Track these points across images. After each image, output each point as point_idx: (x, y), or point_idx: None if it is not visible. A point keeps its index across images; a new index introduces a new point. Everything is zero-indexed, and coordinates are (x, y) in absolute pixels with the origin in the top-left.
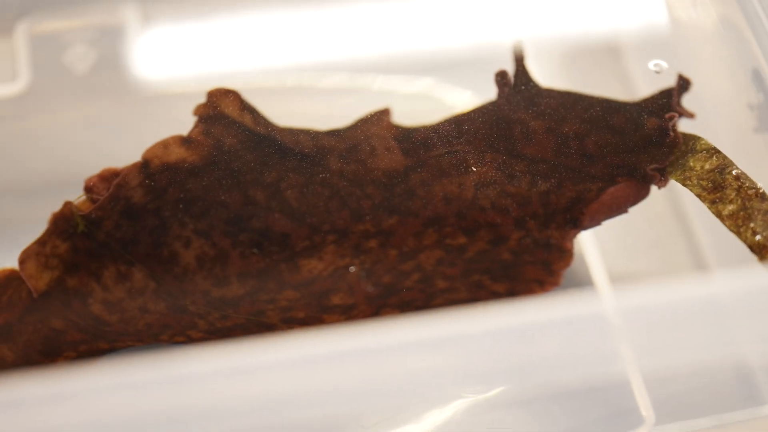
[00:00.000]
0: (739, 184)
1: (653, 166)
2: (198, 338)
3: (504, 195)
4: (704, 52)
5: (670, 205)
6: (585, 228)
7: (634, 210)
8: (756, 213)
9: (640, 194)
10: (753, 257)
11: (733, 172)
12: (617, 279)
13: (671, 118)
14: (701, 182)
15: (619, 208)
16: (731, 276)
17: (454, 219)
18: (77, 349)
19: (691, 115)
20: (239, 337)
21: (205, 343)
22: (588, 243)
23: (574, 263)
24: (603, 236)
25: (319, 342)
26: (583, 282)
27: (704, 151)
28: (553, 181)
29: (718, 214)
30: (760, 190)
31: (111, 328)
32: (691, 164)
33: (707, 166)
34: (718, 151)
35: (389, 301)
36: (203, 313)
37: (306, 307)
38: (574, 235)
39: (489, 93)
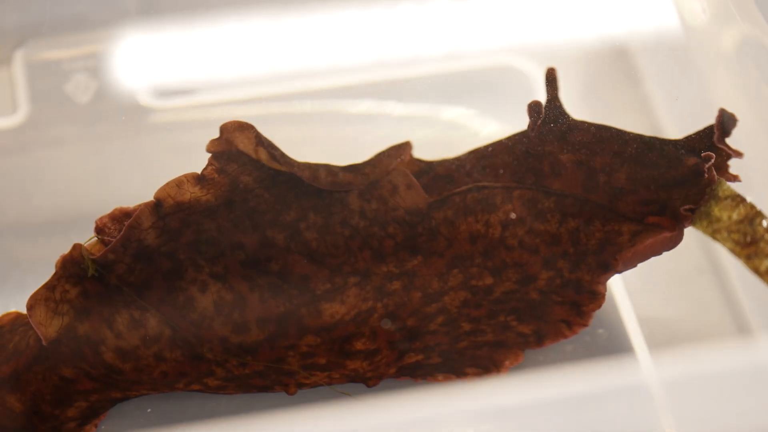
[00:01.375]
0: None
1: (687, 206)
2: (215, 386)
3: (532, 233)
4: (724, 75)
5: (698, 246)
6: (618, 272)
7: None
8: None
9: (675, 241)
10: None
11: (764, 224)
12: (645, 319)
13: (708, 158)
14: (732, 235)
15: (653, 253)
16: None
17: (480, 259)
18: (89, 398)
19: (738, 155)
20: (258, 385)
21: (223, 392)
22: (615, 282)
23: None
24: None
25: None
26: (611, 322)
27: (728, 198)
28: (581, 219)
29: (756, 270)
30: None
31: (124, 377)
32: (717, 214)
33: (735, 217)
34: (744, 199)
35: (413, 346)
36: (221, 360)
37: (328, 352)
38: (607, 279)
39: (515, 122)
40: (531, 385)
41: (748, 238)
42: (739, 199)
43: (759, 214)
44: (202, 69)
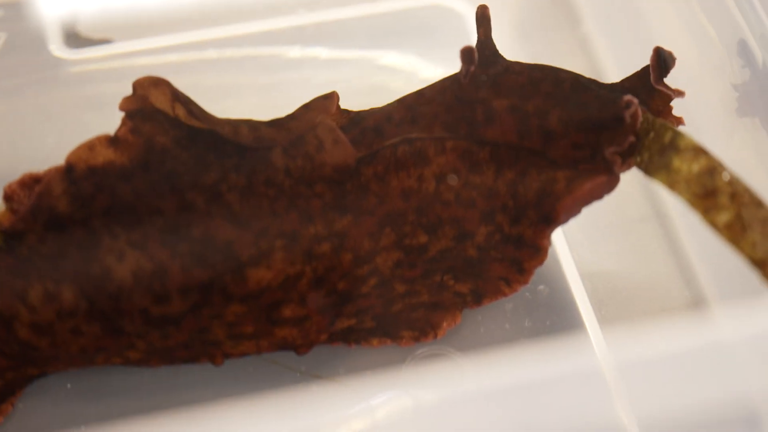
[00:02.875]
0: (733, 189)
1: (612, 149)
2: (137, 359)
3: (469, 186)
4: (677, 22)
5: (642, 194)
6: (562, 223)
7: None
8: (754, 222)
9: (612, 183)
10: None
11: (725, 176)
12: (588, 273)
13: (629, 104)
14: (691, 187)
15: (592, 199)
16: (732, 315)
17: (414, 216)
18: (3, 376)
19: (679, 94)
20: (183, 357)
21: (146, 364)
22: (556, 236)
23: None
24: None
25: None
26: (552, 278)
27: (690, 150)
28: (517, 168)
29: (713, 224)
30: (756, 196)
31: (41, 353)
32: (677, 165)
33: (695, 168)
34: (705, 151)
35: (344, 310)
36: (142, 332)
37: (255, 320)
38: (551, 232)
39: (452, 65)
40: (476, 366)
41: (707, 191)
42: (700, 151)
43: (719, 167)
44: (119, 15)
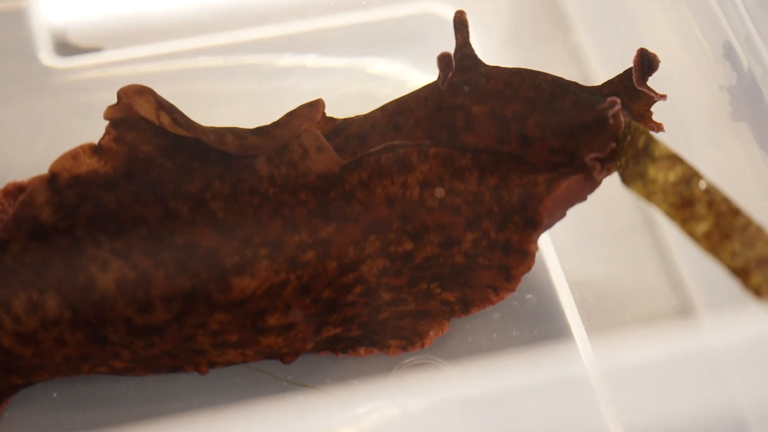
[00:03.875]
0: (710, 198)
1: (592, 155)
2: (122, 368)
3: (453, 193)
4: (668, 30)
5: (632, 203)
6: (546, 227)
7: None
8: (732, 231)
9: (591, 185)
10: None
11: (701, 185)
12: (576, 282)
13: (612, 104)
14: (668, 198)
15: (573, 199)
16: (717, 321)
17: (399, 223)
18: None
19: (661, 97)
20: (168, 365)
21: (131, 373)
22: (544, 244)
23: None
24: (559, 233)
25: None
26: (540, 287)
27: (664, 158)
28: (499, 173)
29: (692, 235)
30: (733, 205)
31: (25, 363)
32: (652, 175)
33: (671, 178)
34: (680, 159)
35: (330, 319)
36: (126, 342)
37: (239, 329)
38: (537, 237)
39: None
40: (462, 374)
41: (684, 201)
42: (675, 159)
43: (696, 175)
44: (109, 24)
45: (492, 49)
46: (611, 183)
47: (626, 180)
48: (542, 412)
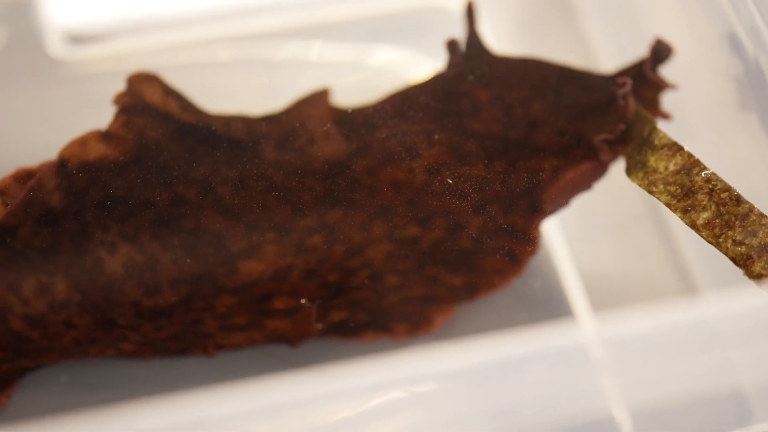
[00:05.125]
0: (711, 186)
1: (602, 136)
2: (130, 351)
3: (459, 178)
4: (664, 10)
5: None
6: (550, 213)
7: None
8: (734, 219)
9: (598, 171)
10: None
11: (702, 174)
12: (582, 270)
13: (623, 84)
14: (668, 188)
15: (579, 188)
16: (717, 298)
17: (405, 208)
18: None
19: (670, 86)
20: (175, 348)
21: (139, 356)
22: (550, 232)
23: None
24: (567, 222)
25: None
26: (546, 274)
27: (664, 147)
28: (506, 159)
29: (693, 225)
30: (734, 193)
31: (34, 345)
32: (653, 164)
33: (672, 167)
34: (681, 148)
35: (336, 303)
36: (134, 325)
37: (246, 312)
38: (540, 222)
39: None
40: (461, 348)
41: (685, 190)
42: (675, 148)
43: (697, 164)
44: (116, 15)
45: (499, 39)
46: (618, 173)
47: (628, 170)
48: (543, 386)
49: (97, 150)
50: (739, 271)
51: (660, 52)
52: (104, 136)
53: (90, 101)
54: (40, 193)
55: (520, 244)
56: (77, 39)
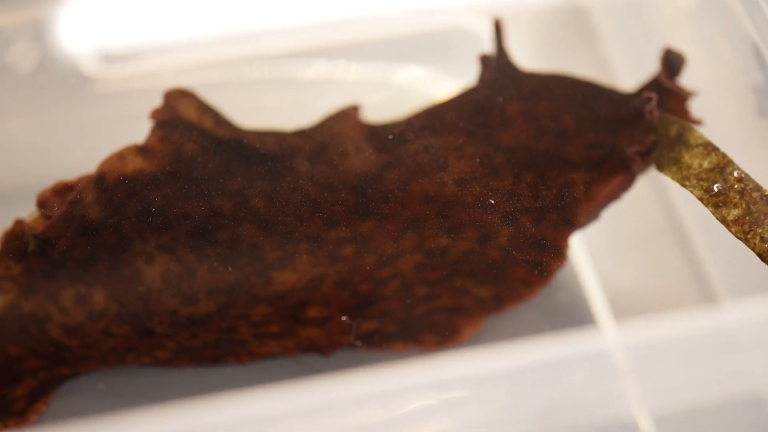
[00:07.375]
0: (743, 186)
1: (635, 148)
2: (166, 358)
3: (489, 190)
4: (683, 32)
5: (659, 206)
6: (582, 226)
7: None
8: (763, 218)
9: (628, 183)
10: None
11: (735, 173)
12: (607, 282)
13: (648, 99)
14: (702, 183)
15: (611, 201)
16: (739, 305)
17: (436, 219)
18: (37, 376)
19: (689, 94)
20: (210, 356)
21: (174, 364)
22: (575, 244)
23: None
24: (590, 235)
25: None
26: (571, 288)
27: (700, 147)
28: (536, 171)
29: (723, 220)
30: (765, 193)
31: (72, 354)
32: (687, 160)
33: (706, 165)
34: (716, 148)
35: (367, 312)
36: (171, 333)
37: (280, 320)
38: (569, 234)
39: (469, 78)
40: (491, 354)
41: (718, 187)
42: (710, 148)
43: (730, 164)
44: (148, 34)
45: (522, 60)
46: (639, 189)
47: (660, 165)
48: (568, 394)
49: (135, 164)
50: (757, 283)
51: (672, 60)
52: (141, 150)
53: (124, 118)
54: (79, 205)
55: (548, 255)
56: (111, 58)
